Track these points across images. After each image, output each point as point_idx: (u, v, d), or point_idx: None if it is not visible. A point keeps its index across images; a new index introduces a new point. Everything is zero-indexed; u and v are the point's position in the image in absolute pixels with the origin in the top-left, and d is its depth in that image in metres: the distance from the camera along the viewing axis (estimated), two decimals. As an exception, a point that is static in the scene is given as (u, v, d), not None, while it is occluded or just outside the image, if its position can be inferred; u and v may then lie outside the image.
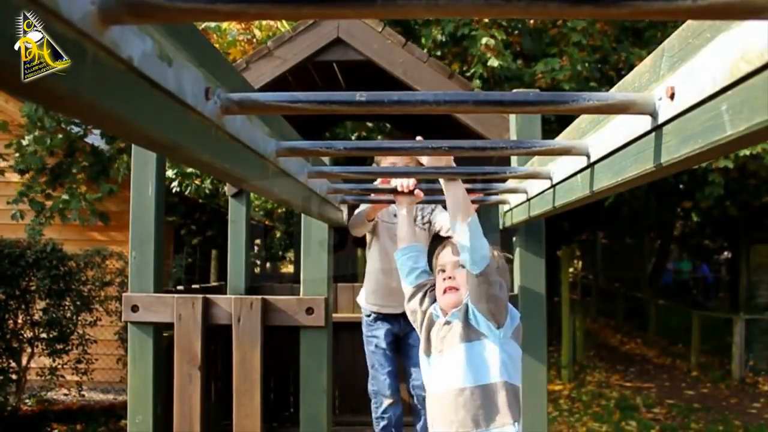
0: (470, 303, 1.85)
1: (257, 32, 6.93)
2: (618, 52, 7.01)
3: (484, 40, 5.98)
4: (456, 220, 1.81)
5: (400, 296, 2.29)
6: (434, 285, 2.06)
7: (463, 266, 1.84)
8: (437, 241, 2.48)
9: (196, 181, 7.23)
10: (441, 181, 1.91)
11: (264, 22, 6.78)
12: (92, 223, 6.88)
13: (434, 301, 2.05)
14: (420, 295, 2.08)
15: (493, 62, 5.99)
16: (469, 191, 2.40)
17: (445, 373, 1.89)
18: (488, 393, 1.82)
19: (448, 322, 1.93)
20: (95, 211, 6.82)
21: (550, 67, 6.37)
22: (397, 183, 2.22)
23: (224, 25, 6.76)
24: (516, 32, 6.82)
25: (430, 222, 2.89)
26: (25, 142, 6.69)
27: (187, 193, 7.36)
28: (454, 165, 1.89)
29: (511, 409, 1.81)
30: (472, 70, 6.22)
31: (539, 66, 6.45)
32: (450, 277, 1.94)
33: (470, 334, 1.86)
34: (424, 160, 1.91)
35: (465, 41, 6.40)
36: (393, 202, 2.25)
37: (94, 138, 7.20)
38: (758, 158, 6.74)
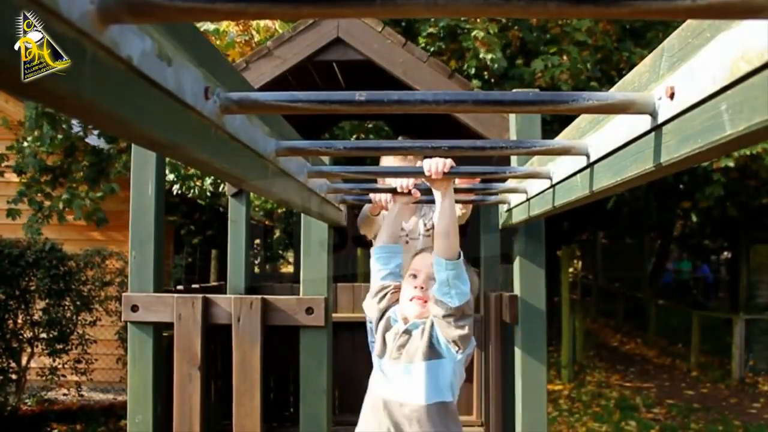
0: (437, 325, 1.82)
1: (255, 34, 6.93)
2: (620, 51, 7.01)
3: (474, 33, 6.04)
4: (439, 256, 1.77)
5: None
6: (398, 287, 2.00)
7: (433, 279, 1.82)
8: None
9: (197, 183, 7.23)
10: (436, 197, 1.87)
11: (261, 25, 6.79)
12: (97, 223, 6.87)
13: (393, 303, 1.99)
14: (381, 294, 2.03)
15: (486, 55, 6.02)
16: (469, 191, 2.41)
17: (403, 385, 1.86)
18: (441, 411, 1.84)
19: (407, 332, 1.89)
20: (98, 209, 6.82)
21: (549, 63, 6.38)
22: (396, 183, 2.21)
23: (223, 26, 6.76)
24: (515, 27, 6.82)
25: (433, 227, 2.87)
26: (24, 144, 6.69)
27: (189, 195, 7.37)
28: (453, 164, 1.88)
29: (452, 426, 1.86)
30: (467, 64, 6.26)
31: (537, 64, 6.45)
32: (422, 287, 1.88)
33: (432, 353, 1.84)
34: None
35: (460, 36, 6.44)
36: (393, 190, 2.22)
37: (94, 138, 7.20)
38: (758, 159, 6.74)
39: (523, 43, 6.90)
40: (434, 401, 1.82)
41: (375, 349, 2.01)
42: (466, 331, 1.78)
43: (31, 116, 6.50)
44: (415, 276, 1.92)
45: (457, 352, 1.80)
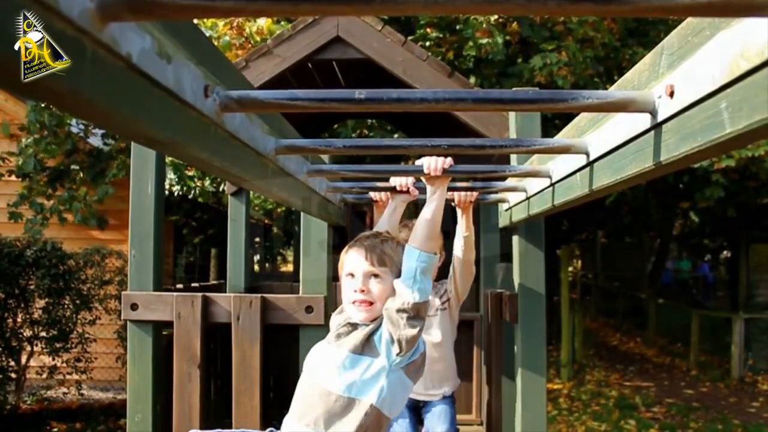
0: (386, 318, 1.65)
1: (251, 32, 6.93)
2: (622, 49, 7.02)
3: (471, 21, 6.10)
4: (415, 245, 1.63)
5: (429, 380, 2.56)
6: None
7: (377, 276, 1.68)
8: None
9: (198, 183, 7.23)
10: (428, 192, 1.80)
11: (254, 29, 6.79)
12: (91, 225, 6.89)
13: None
14: None
15: (484, 40, 6.05)
16: (469, 189, 2.41)
17: (325, 368, 1.72)
18: (347, 406, 1.66)
19: (353, 325, 1.73)
20: (94, 213, 6.83)
21: (548, 60, 6.39)
22: (395, 182, 2.22)
23: (220, 26, 6.76)
24: (515, 23, 6.83)
25: (448, 299, 2.73)
26: (23, 144, 6.70)
27: (190, 197, 7.36)
28: (452, 163, 1.87)
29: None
30: (466, 52, 6.28)
31: (536, 61, 6.46)
32: (362, 290, 1.69)
33: (363, 349, 1.67)
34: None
35: (458, 28, 6.47)
36: (392, 189, 2.21)
37: (94, 138, 7.20)
38: (759, 161, 6.75)
39: (522, 39, 6.90)
40: (345, 395, 1.65)
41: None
42: (415, 332, 1.60)
43: (32, 121, 6.51)
44: (351, 275, 1.73)
45: (397, 354, 1.62)
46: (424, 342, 1.78)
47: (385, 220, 2.15)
